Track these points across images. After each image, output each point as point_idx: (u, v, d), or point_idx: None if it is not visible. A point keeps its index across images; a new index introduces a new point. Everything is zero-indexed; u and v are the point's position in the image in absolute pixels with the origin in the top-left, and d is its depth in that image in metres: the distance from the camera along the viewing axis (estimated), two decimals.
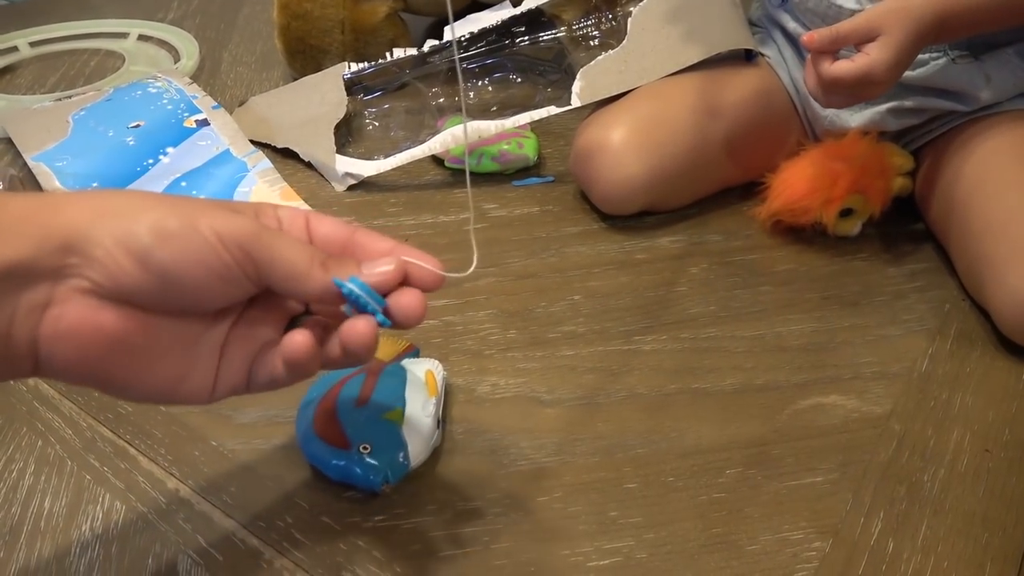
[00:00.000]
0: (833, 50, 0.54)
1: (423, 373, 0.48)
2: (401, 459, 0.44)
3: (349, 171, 0.70)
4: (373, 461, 0.43)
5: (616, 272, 0.60)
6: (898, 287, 0.59)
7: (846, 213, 0.61)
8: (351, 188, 0.70)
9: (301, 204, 0.65)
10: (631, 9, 0.70)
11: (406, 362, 0.50)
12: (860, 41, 0.54)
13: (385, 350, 0.51)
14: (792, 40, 0.66)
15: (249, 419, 0.49)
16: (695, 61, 0.65)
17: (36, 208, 0.31)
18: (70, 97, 0.79)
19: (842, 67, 0.53)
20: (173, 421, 0.49)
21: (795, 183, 0.61)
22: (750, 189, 0.65)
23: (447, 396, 0.50)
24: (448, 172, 0.72)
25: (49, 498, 0.45)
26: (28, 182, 0.67)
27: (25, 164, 0.69)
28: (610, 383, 0.52)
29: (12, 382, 0.52)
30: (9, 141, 0.76)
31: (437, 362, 0.50)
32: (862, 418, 0.49)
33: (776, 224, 0.63)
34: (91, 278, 0.31)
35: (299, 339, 0.34)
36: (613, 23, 0.73)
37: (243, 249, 0.32)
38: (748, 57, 0.68)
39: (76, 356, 0.32)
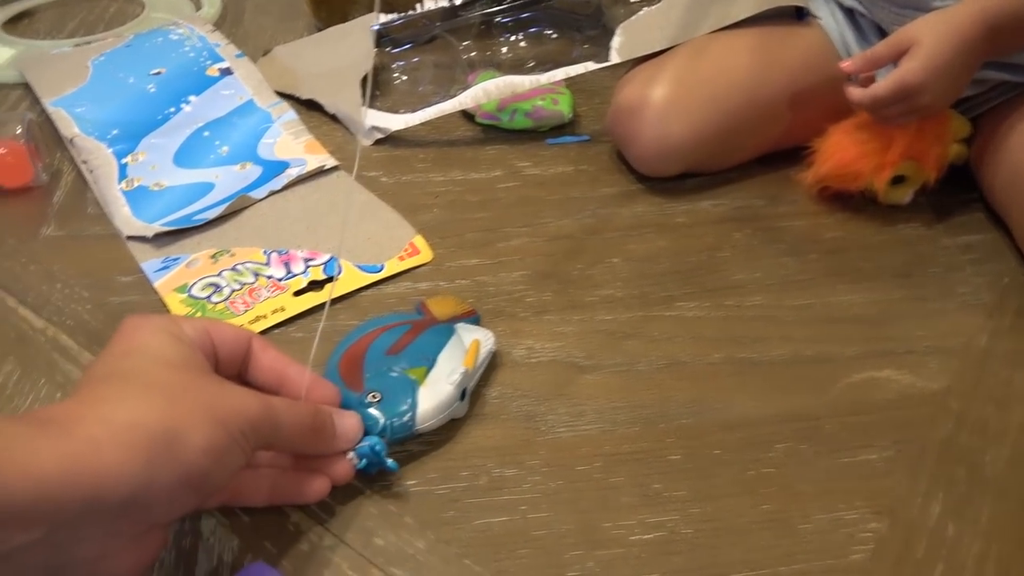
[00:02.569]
0: (870, 70, 0.56)
1: (469, 341, 0.46)
2: (407, 419, 0.42)
3: (376, 125, 0.67)
4: (376, 412, 0.41)
5: (655, 235, 0.58)
6: (952, 259, 0.56)
7: (898, 180, 0.59)
8: (378, 143, 0.67)
9: (327, 158, 0.63)
10: None
11: (460, 326, 0.47)
12: (894, 57, 0.54)
13: (444, 309, 0.49)
14: (843, 8, 0.63)
15: None
16: (742, 17, 0.62)
17: (76, 459, 0.28)
18: (89, 43, 0.76)
19: (878, 85, 0.54)
20: None
21: (846, 147, 0.58)
22: (795, 153, 0.62)
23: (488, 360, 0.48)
24: (479, 128, 0.69)
25: None
26: (46, 127, 0.65)
27: (43, 109, 0.67)
28: (651, 350, 0.49)
29: (29, 331, 0.51)
30: (27, 86, 0.74)
31: (491, 334, 0.47)
32: (918, 394, 0.47)
33: (823, 190, 0.60)
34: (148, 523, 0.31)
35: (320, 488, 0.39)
36: None
37: (257, 433, 0.34)
38: (798, 16, 0.64)
39: None
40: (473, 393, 0.46)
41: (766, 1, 0.63)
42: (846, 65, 0.55)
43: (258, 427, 0.33)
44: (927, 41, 0.52)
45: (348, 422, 0.39)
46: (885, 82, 0.53)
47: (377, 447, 0.40)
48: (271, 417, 0.34)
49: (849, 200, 0.60)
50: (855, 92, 0.55)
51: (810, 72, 0.63)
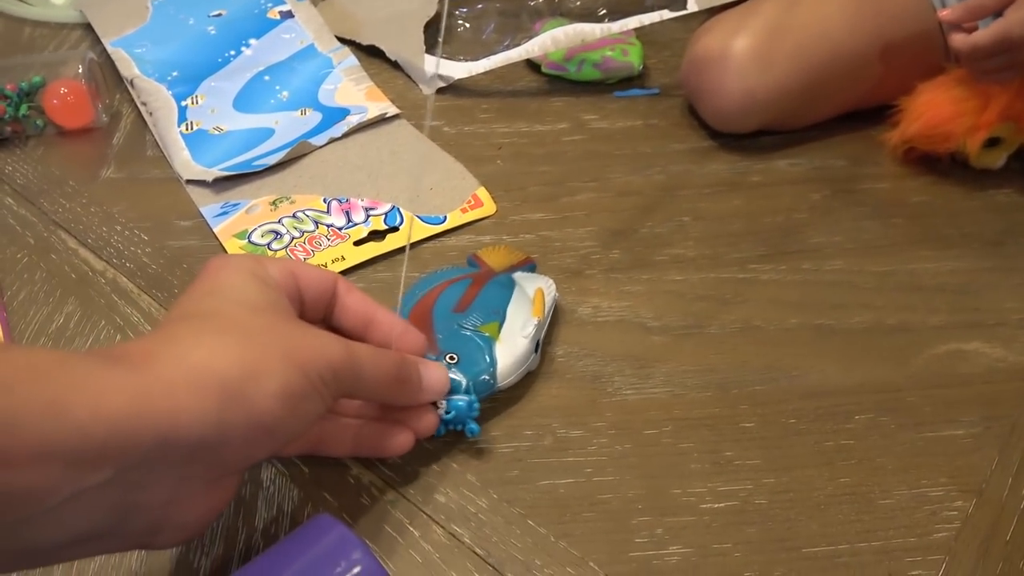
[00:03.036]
0: (971, 20, 0.52)
1: (532, 291, 0.44)
2: (487, 377, 0.40)
3: (439, 72, 0.65)
4: (457, 374, 0.40)
5: (728, 194, 0.55)
6: None
7: (992, 143, 0.55)
8: (440, 91, 0.65)
9: (388, 106, 0.61)
10: None
11: (518, 276, 0.46)
12: (999, 7, 0.50)
13: (499, 259, 0.48)
14: None
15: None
16: None
17: (147, 398, 0.27)
18: None
19: (979, 34, 0.50)
20: None
21: (939, 105, 0.54)
22: (879, 113, 0.59)
23: (552, 318, 0.46)
24: (545, 78, 0.66)
25: None
26: (106, 68, 0.64)
27: (103, 49, 0.66)
28: (723, 313, 0.47)
29: (89, 273, 0.50)
30: (87, 25, 0.73)
31: (551, 281, 0.46)
32: (1009, 369, 0.44)
33: (909, 152, 0.57)
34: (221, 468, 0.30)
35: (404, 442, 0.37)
36: None
37: (339, 380, 0.32)
38: None
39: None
40: (542, 349, 0.44)
41: None
42: (945, 14, 0.52)
43: (340, 373, 0.32)
44: None
45: (435, 374, 0.38)
46: (988, 31, 0.50)
47: (475, 404, 0.39)
48: (354, 363, 0.33)
49: (936, 163, 0.57)
50: (956, 38, 0.52)
51: (902, 24, 0.59)
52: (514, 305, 0.43)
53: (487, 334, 0.42)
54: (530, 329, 0.42)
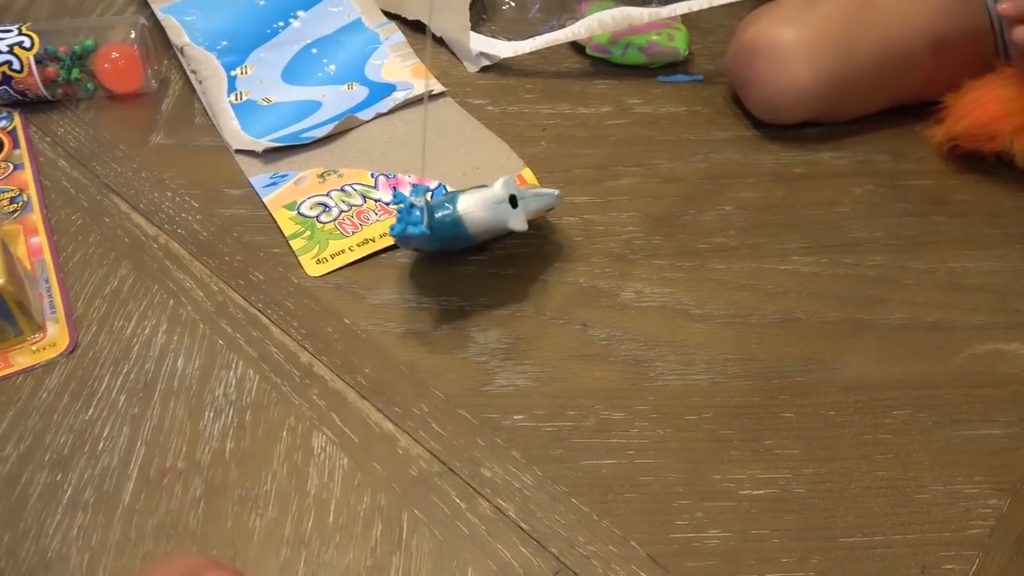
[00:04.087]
0: None
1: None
2: (449, 209, 0.44)
3: (484, 51, 0.65)
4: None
5: (772, 185, 0.56)
6: None
7: None
8: (484, 70, 0.65)
9: (434, 83, 0.61)
10: None
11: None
12: None
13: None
14: None
15: (382, 300, 0.47)
16: None
17: None
18: None
19: None
20: (305, 294, 0.48)
21: (986, 103, 0.54)
22: (924, 108, 0.59)
23: (595, 300, 0.47)
24: (588, 60, 0.66)
25: (182, 359, 0.44)
26: (156, 33, 0.65)
27: (153, 14, 0.67)
28: (764, 303, 0.48)
29: (142, 237, 0.51)
30: None
31: (558, 192, 0.50)
32: None
33: (953, 149, 0.57)
34: None
35: None
36: None
37: None
38: None
39: None
40: (583, 332, 0.45)
41: None
42: (1005, 7, 0.51)
43: None
44: None
45: None
46: None
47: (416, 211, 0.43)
48: None
49: (981, 161, 0.57)
50: (1019, 31, 0.51)
51: (952, 20, 0.59)
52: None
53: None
54: (504, 177, 0.45)
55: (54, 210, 0.53)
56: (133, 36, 0.60)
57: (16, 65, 0.58)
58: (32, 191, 0.54)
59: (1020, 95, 0.53)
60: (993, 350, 0.46)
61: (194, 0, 0.65)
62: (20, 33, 0.59)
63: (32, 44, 0.59)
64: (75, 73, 0.60)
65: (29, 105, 0.61)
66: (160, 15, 0.64)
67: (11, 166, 0.56)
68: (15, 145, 0.58)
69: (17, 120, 0.60)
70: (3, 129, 0.59)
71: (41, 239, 0.51)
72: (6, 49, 0.58)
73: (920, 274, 0.50)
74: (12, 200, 0.53)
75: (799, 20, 0.57)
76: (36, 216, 0.52)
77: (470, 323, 0.46)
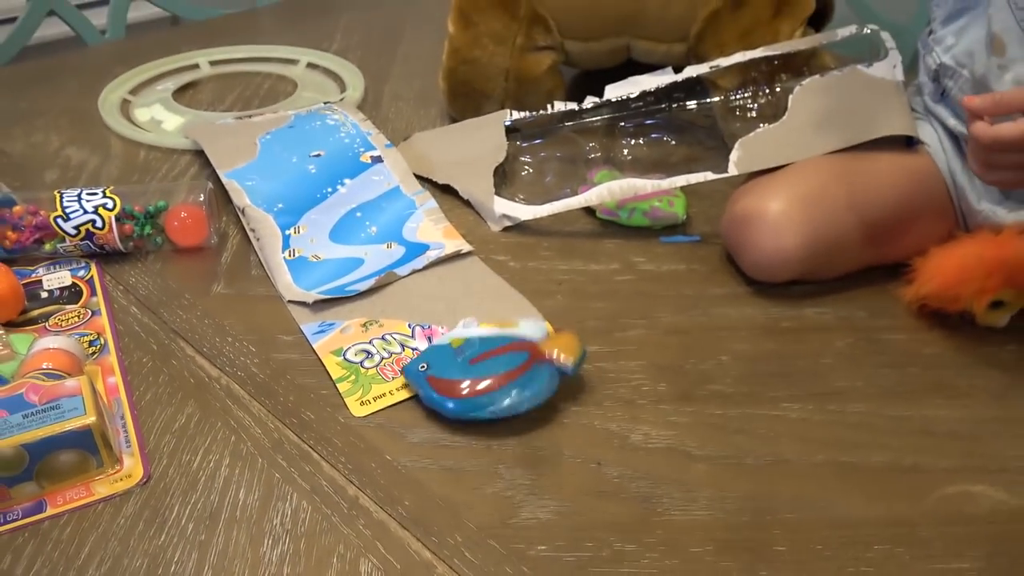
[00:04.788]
0: (994, 113, 0.56)
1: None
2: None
3: (506, 213, 0.74)
4: None
5: (762, 337, 0.63)
6: None
7: (996, 305, 0.62)
8: (506, 229, 0.74)
9: (462, 243, 0.70)
10: (791, 85, 0.73)
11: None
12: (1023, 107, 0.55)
13: (565, 345, 0.56)
14: (951, 134, 0.68)
15: (420, 439, 0.53)
16: (857, 142, 0.68)
17: None
18: (250, 116, 0.86)
19: (1003, 126, 0.55)
20: (351, 432, 0.54)
21: (947, 270, 0.62)
22: (897, 270, 0.67)
23: (608, 442, 0.53)
24: (599, 222, 0.75)
25: (243, 490, 0.50)
26: (217, 193, 0.74)
27: (211, 174, 0.76)
28: (758, 446, 0.54)
29: (206, 379, 0.58)
30: (194, 152, 0.83)
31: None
32: (1010, 511, 0.50)
33: (923, 307, 0.64)
34: None
35: None
36: (770, 97, 0.76)
37: None
38: (908, 143, 0.70)
39: None
40: (598, 470, 0.51)
41: (879, 129, 0.68)
42: (970, 100, 0.56)
43: None
44: None
45: None
46: (1013, 125, 0.54)
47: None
48: None
49: (947, 318, 0.64)
50: (979, 126, 0.55)
51: (917, 194, 0.67)
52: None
53: None
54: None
55: (127, 352, 0.60)
56: (202, 198, 0.69)
57: (99, 223, 0.67)
58: (108, 335, 0.61)
59: (977, 264, 0.61)
60: (962, 491, 0.51)
61: (254, 167, 0.74)
62: (104, 196, 0.68)
63: (114, 205, 0.68)
64: (147, 229, 0.69)
65: (104, 256, 0.69)
66: (224, 179, 0.73)
67: (89, 312, 0.63)
68: (92, 293, 0.65)
69: (94, 270, 0.68)
70: (82, 278, 0.67)
71: (117, 379, 0.58)
72: (92, 209, 0.67)
73: (896, 421, 0.56)
74: (91, 343, 0.60)
75: (782, 194, 0.65)
76: (112, 358, 0.59)
77: (498, 461, 0.52)
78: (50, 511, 0.49)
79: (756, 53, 0.75)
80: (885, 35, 0.73)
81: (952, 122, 0.67)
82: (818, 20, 0.85)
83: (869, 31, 0.73)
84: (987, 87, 0.63)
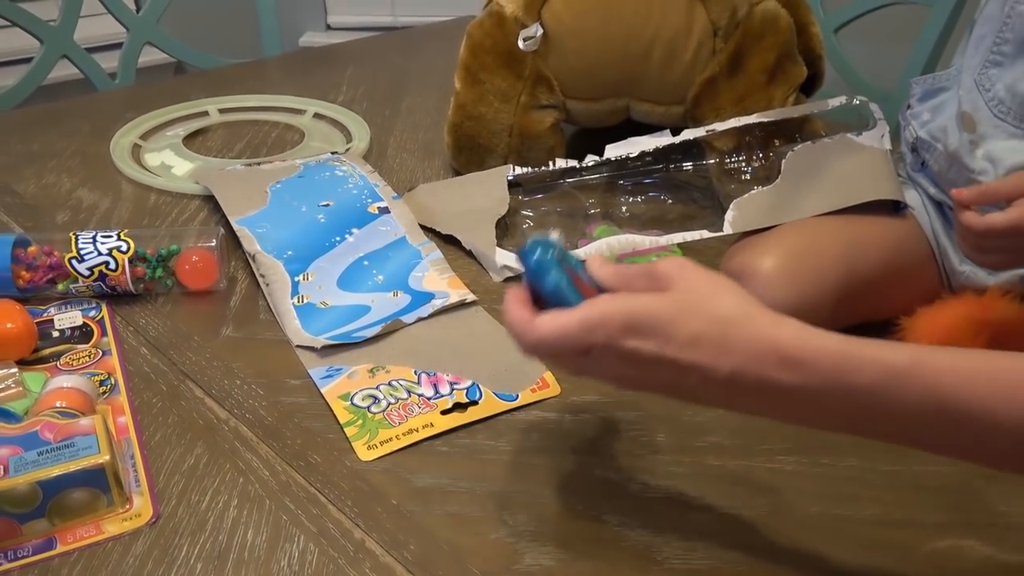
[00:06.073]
0: (981, 203, 0.59)
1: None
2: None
3: (507, 264, 0.76)
4: None
5: None
6: None
7: None
8: (507, 279, 0.76)
9: (466, 293, 0.72)
10: (784, 150, 0.76)
11: None
12: (1009, 198, 0.58)
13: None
14: (934, 200, 0.71)
15: (425, 484, 0.55)
16: (846, 206, 0.71)
17: None
18: (259, 164, 0.88)
19: (993, 216, 0.58)
20: (358, 476, 0.55)
21: (936, 331, 0.64)
22: (885, 326, 0.69)
23: (610, 489, 0.54)
24: None
25: (251, 531, 0.51)
26: (229, 239, 0.75)
27: (220, 219, 0.78)
28: (755, 497, 0.55)
29: (215, 420, 0.59)
30: (204, 197, 0.85)
31: None
32: (997, 565, 0.52)
33: None
34: None
35: None
36: (764, 161, 0.79)
37: None
38: (896, 207, 0.73)
39: None
40: (599, 519, 0.52)
41: (867, 194, 0.71)
42: (958, 193, 0.59)
43: None
44: None
45: None
46: (1004, 214, 0.56)
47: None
48: None
49: None
50: (968, 215, 0.58)
51: (903, 254, 0.70)
52: None
53: None
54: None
55: (137, 393, 0.61)
56: (214, 244, 0.71)
57: (112, 265, 0.69)
58: (119, 375, 0.62)
59: (962, 324, 0.64)
60: (952, 545, 0.53)
61: (265, 215, 0.76)
62: (119, 239, 0.70)
63: (128, 248, 0.69)
64: (159, 272, 0.70)
65: (115, 297, 0.70)
66: (236, 226, 0.75)
67: (100, 352, 0.64)
68: (103, 333, 0.67)
69: (105, 311, 0.69)
70: (93, 319, 0.68)
71: (127, 419, 0.59)
72: (106, 251, 0.69)
73: (888, 476, 0.58)
74: (102, 383, 0.61)
75: (774, 252, 0.68)
76: (123, 398, 0.60)
77: (500, 507, 0.53)
78: (60, 548, 0.49)
79: (751, 118, 0.78)
80: (873, 106, 0.76)
81: (933, 190, 0.70)
82: (810, 86, 0.89)
83: (858, 102, 0.76)
84: (960, 161, 0.66)
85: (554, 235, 0.47)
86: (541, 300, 0.46)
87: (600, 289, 0.47)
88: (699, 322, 0.43)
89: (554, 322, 0.43)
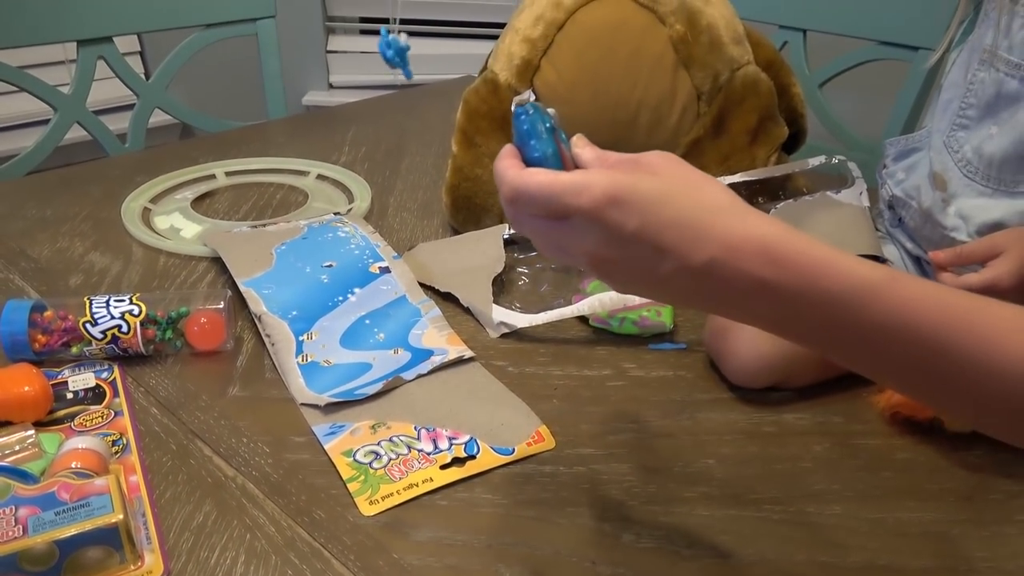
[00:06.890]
0: (957, 264, 0.63)
1: None
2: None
3: (504, 321, 0.79)
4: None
5: (746, 442, 0.67)
6: (1012, 488, 0.64)
7: None
8: (504, 336, 0.79)
9: (465, 350, 0.74)
10: (767, 208, 0.79)
11: None
12: (984, 259, 0.61)
13: None
14: (911, 255, 0.74)
15: (425, 538, 0.57)
16: None
17: None
18: (265, 226, 0.92)
19: (969, 277, 0.61)
20: (360, 531, 0.57)
21: None
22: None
23: (605, 540, 0.56)
24: (591, 329, 0.80)
25: None
26: (235, 300, 0.78)
27: (227, 280, 0.81)
28: (743, 546, 0.57)
29: (223, 478, 0.61)
30: (211, 259, 0.89)
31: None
32: None
33: (895, 414, 0.69)
34: None
35: None
36: None
37: None
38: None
39: None
40: (593, 569, 0.54)
41: (847, 249, 0.73)
42: (936, 254, 0.62)
43: None
44: (1019, 251, 0.58)
45: None
46: (979, 275, 0.59)
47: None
48: None
49: (918, 425, 0.68)
50: (947, 276, 0.61)
51: None
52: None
53: None
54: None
55: (148, 452, 0.64)
56: (221, 306, 0.74)
57: (124, 328, 0.72)
58: (130, 435, 0.65)
59: None
60: None
61: (270, 276, 0.80)
62: (131, 302, 0.73)
63: (140, 311, 0.72)
64: (168, 334, 0.73)
65: (126, 359, 0.73)
66: (243, 287, 0.78)
67: (112, 412, 0.67)
68: (115, 394, 0.69)
69: (116, 372, 0.72)
70: (105, 380, 0.71)
71: (138, 478, 0.61)
72: (119, 315, 0.72)
73: (872, 523, 0.60)
74: (114, 443, 0.64)
75: None
76: (134, 457, 0.63)
77: (497, 559, 0.55)
78: None
79: (735, 177, 0.82)
80: (852, 165, 0.80)
81: (910, 245, 0.74)
82: (793, 143, 0.93)
83: (837, 161, 0.80)
84: (934, 219, 0.69)
85: (551, 110, 0.46)
86: (526, 164, 0.46)
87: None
88: (685, 205, 0.42)
89: (542, 175, 0.43)
